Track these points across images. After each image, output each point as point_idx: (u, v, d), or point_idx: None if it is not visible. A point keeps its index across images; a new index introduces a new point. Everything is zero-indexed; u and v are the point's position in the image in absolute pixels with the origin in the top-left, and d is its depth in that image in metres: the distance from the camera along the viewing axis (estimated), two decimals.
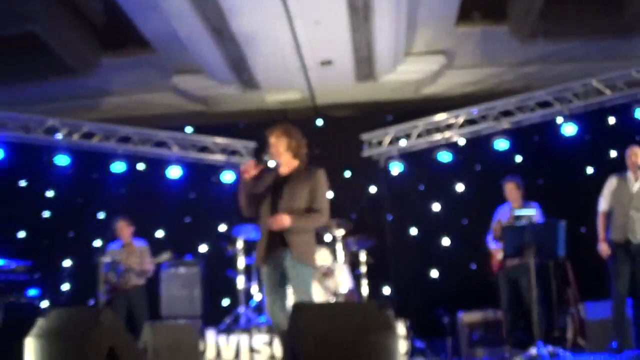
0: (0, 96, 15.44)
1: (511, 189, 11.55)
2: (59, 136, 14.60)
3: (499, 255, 11.44)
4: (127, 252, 12.70)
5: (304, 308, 5.54)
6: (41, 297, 12.03)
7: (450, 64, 14.68)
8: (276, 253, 7.72)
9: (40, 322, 6.11)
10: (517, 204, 11.45)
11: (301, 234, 7.72)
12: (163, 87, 15.57)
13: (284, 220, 7.56)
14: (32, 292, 11.90)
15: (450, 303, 13.43)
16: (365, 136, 15.31)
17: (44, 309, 8.15)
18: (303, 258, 7.65)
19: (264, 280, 7.86)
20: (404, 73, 14.82)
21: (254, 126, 15.93)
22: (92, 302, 13.58)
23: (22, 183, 16.38)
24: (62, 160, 14.56)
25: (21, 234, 16.11)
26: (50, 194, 16.34)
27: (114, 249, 12.75)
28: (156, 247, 13.13)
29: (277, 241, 7.69)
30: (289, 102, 15.90)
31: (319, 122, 16.07)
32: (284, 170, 8.01)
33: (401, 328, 11.00)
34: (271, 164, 8.17)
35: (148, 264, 12.61)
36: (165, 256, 12.58)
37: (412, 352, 11.38)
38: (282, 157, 7.99)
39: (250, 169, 7.81)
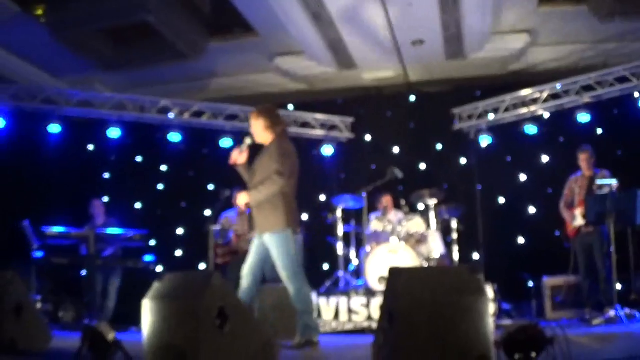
0: (118, 80, 16.16)
1: (584, 158, 11.68)
2: (171, 115, 15.19)
3: (575, 222, 11.55)
4: (242, 220, 13.19)
5: (400, 272, 5.54)
6: (156, 263, 12.48)
7: (534, 42, 14.60)
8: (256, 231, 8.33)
9: (156, 285, 6.27)
10: (590, 172, 11.64)
11: (263, 208, 8.21)
12: (266, 68, 15.80)
13: (243, 198, 8.29)
14: (148, 258, 12.21)
15: (535, 268, 13.59)
16: (456, 110, 15.61)
17: (159, 273, 8.61)
18: (268, 229, 8.16)
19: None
20: (491, 51, 14.82)
21: (352, 102, 16.34)
22: (203, 266, 14.29)
23: (139, 159, 16.92)
24: (174, 137, 15.15)
25: (138, 205, 16.69)
26: (164, 168, 16.89)
27: (230, 217, 13.31)
28: None
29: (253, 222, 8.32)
30: (383, 80, 16.07)
31: (412, 98, 16.20)
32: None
33: (490, 291, 11.12)
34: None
35: None
36: None
37: (500, 313, 11.59)
38: (261, 137, 8.55)
39: (237, 158, 8.56)
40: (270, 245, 8.17)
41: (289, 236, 8.15)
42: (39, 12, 13.56)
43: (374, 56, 14.93)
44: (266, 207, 8.23)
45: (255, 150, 8.72)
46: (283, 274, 8.10)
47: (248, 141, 8.62)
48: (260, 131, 8.56)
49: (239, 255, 12.90)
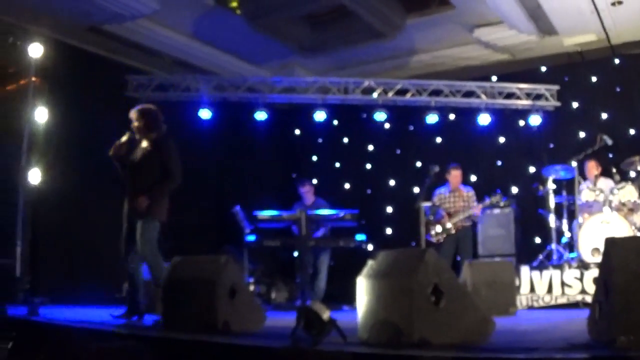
0: (318, 63, 16.46)
1: None
2: (375, 95, 15.10)
3: None
4: (455, 197, 13.33)
5: (615, 243, 5.34)
6: (367, 241, 12.78)
7: None
8: None
9: (369, 264, 6.33)
10: None
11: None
12: (466, 41, 15.62)
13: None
14: (360, 237, 12.42)
15: None
16: None
17: (371, 252, 8.67)
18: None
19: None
20: None
21: (555, 70, 15.81)
22: (413, 243, 14.31)
23: (345, 140, 17.29)
24: (379, 116, 14.95)
25: (347, 186, 17.12)
26: (370, 147, 17.15)
27: (443, 193, 13.41)
28: (487, 194, 13.31)
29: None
30: (585, 44, 15.45)
31: (617, 61, 15.45)
32: (143, 144, 9.12)
33: None
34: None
35: (475, 209, 13.06)
36: (494, 198, 13.11)
37: None
38: (139, 134, 9.11)
39: (117, 150, 8.95)
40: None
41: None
42: (233, 3, 13.90)
43: (573, 21, 14.38)
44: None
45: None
46: None
47: (126, 135, 9.07)
48: (139, 129, 9.13)
49: (452, 233, 12.92)
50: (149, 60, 15.49)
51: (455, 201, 13.33)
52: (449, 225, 13.01)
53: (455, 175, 13.44)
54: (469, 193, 13.44)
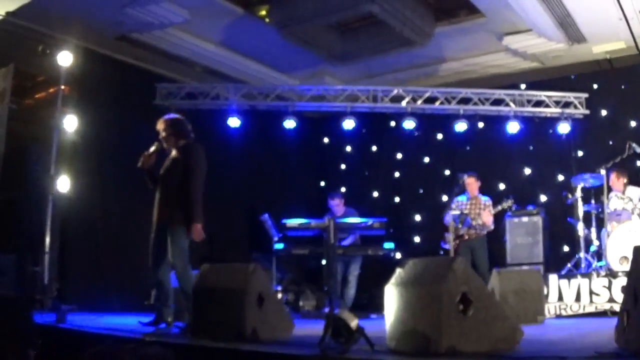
0: (348, 72, 16.40)
1: None
2: (404, 103, 14.95)
3: None
4: (472, 204, 13.30)
5: None
6: (395, 250, 12.74)
7: None
8: None
9: (398, 272, 6.31)
10: None
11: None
12: (495, 49, 15.51)
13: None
14: (388, 245, 12.43)
15: None
16: None
17: (399, 260, 8.70)
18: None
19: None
20: None
21: (584, 78, 15.70)
22: (441, 252, 14.28)
23: (374, 148, 17.30)
24: (408, 124, 14.90)
25: (375, 194, 17.10)
26: (399, 156, 17.14)
27: (461, 201, 13.37)
28: (499, 199, 13.48)
29: None
30: (614, 52, 15.33)
31: None
32: (172, 154, 9.02)
33: None
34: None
35: (483, 217, 13.10)
36: (506, 203, 13.15)
37: None
38: (168, 144, 9.03)
39: (146, 160, 8.92)
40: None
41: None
42: (263, 12, 13.93)
43: (602, 28, 14.31)
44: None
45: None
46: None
47: (154, 146, 9.05)
48: (166, 138, 9.07)
49: (466, 239, 13.07)
50: (178, 69, 15.53)
51: (471, 208, 13.36)
52: (462, 231, 13.08)
53: (470, 182, 13.47)
54: (486, 202, 13.47)
